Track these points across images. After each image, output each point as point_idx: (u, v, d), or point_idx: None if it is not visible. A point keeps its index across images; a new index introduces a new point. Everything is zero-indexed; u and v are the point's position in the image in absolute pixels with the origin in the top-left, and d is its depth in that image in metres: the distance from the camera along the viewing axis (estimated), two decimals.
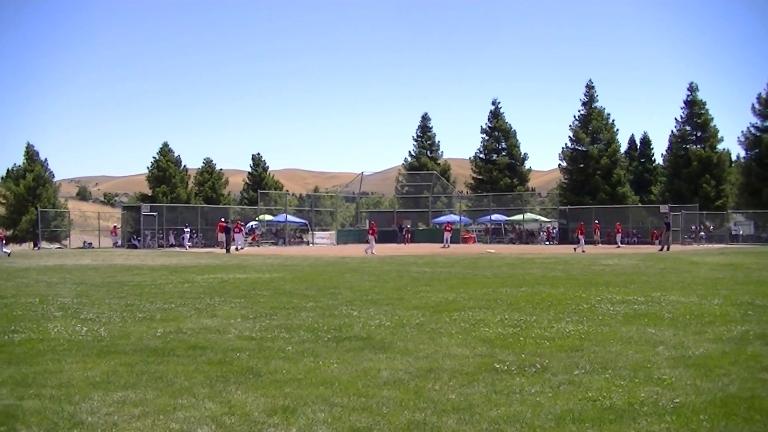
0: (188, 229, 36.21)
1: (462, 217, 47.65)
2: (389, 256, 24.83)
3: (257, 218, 43.25)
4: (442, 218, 47.45)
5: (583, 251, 28.05)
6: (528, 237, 43.85)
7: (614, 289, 11.07)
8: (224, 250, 29.85)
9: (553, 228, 43.92)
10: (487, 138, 58.32)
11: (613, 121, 51.84)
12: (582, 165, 51.10)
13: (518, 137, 58.23)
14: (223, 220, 32.09)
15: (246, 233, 38.87)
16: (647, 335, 6.57)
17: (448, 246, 36.36)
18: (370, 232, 29.04)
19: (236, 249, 33.23)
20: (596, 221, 36.93)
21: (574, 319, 7.66)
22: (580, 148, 51.73)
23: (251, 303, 9.38)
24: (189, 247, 34.74)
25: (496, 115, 57.96)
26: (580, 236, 30.59)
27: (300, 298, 9.94)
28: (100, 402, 4.32)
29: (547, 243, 41.22)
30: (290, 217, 45.53)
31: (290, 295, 10.38)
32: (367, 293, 10.63)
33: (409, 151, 63.75)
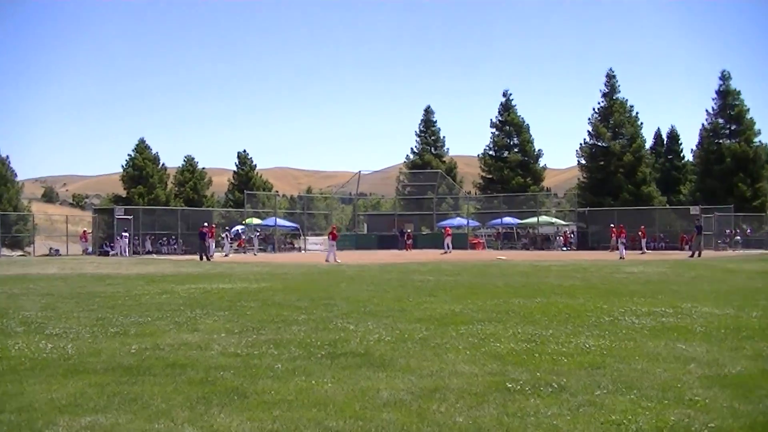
0: (126, 234, 35.98)
1: (470, 221, 47.73)
2: (390, 264, 24.80)
3: (244, 222, 43.25)
4: (448, 221, 47.50)
5: (622, 258, 28.10)
6: (543, 242, 43.89)
7: (639, 300, 11.05)
8: (205, 258, 29.93)
9: (571, 232, 43.96)
10: (497, 133, 58.44)
11: (637, 113, 52.02)
12: (602, 162, 51.19)
13: (532, 132, 58.47)
14: (206, 224, 32.13)
15: (231, 239, 38.91)
16: (677, 351, 6.54)
17: (449, 251, 36.51)
18: (331, 236, 29.25)
19: (224, 255, 33.57)
20: (613, 225, 36.88)
21: (594, 332, 7.64)
22: (600, 143, 51.86)
23: (237, 316, 9.35)
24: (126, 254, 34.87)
25: (507, 108, 58.11)
26: (618, 239, 30.73)
27: (291, 310, 9.91)
28: (66, 428, 4.29)
29: (564, 249, 41.26)
30: (280, 221, 45.52)
31: (280, 307, 10.36)
32: (365, 304, 10.61)
33: (411, 148, 63.98)
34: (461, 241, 43.16)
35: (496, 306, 10.31)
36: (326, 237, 30.67)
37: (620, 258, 28.18)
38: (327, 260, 27.58)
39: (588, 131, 52.49)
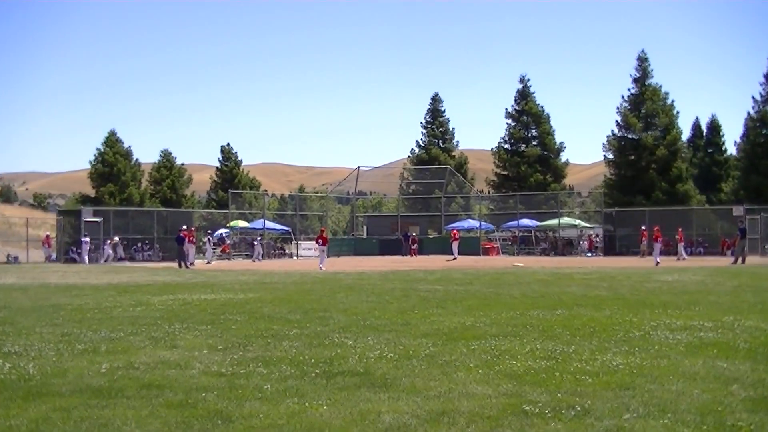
0: (87, 239, 36.30)
1: (482, 223, 47.75)
2: (392, 271, 24.79)
3: (228, 224, 43.34)
4: (458, 224, 47.53)
5: (658, 264, 28.06)
6: (565, 247, 43.89)
7: (674, 312, 11.05)
8: (184, 265, 30.02)
9: (597, 236, 43.94)
10: (513, 124, 58.56)
11: (673, 101, 51.98)
12: (633, 157, 51.22)
13: (552, 123, 58.66)
14: (184, 227, 32.21)
15: (214, 244, 39.01)
16: (717, 370, 6.54)
17: (456, 258, 36.60)
18: (321, 241, 29.32)
19: (206, 263, 33.76)
20: (644, 227, 36.74)
21: (623, 349, 7.64)
22: (630, 135, 51.87)
23: (220, 330, 9.38)
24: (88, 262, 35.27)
25: (524, 95, 58.23)
26: (655, 243, 30.37)
27: (281, 324, 9.95)
28: None
29: (589, 254, 41.26)
30: (269, 223, 45.60)
31: (269, 320, 10.40)
32: (365, 317, 10.65)
33: (417, 141, 64.18)
34: (473, 246, 43.18)
35: (511, 319, 10.33)
36: (317, 241, 30.77)
37: (655, 264, 28.14)
38: (321, 268, 27.82)
39: (616, 122, 52.52)
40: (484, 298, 13.97)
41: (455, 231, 40.45)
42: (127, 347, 8.11)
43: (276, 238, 47.02)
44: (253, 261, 37.57)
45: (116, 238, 37.45)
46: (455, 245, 38.10)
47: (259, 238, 40.81)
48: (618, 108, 52.63)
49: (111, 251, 36.86)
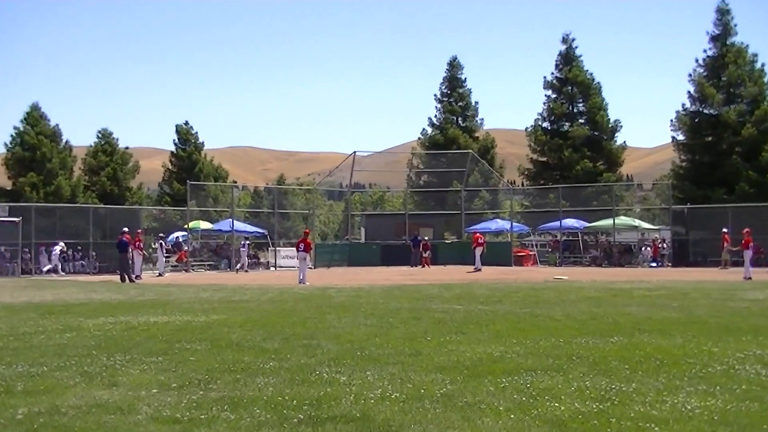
0: (60, 246, 36.74)
1: (515, 224, 47.72)
2: (399, 286, 24.76)
3: (186, 226, 43.29)
4: (482, 225, 47.48)
5: (749, 278, 27.83)
6: (622, 255, 43.89)
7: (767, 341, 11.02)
8: (128, 278, 30.07)
9: (663, 240, 43.87)
10: (554, 96, 58.51)
11: (763, 65, 51.66)
12: (710, 138, 51.12)
13: (604, 95, 58.40)
14: (126, 230, 32.17)
15: (167, 251, 39.01)
16: None
17: (479, 269, 36.56)
18: (304, 246, 29.33)
19: (158, 275, 33.80)
20: (725, 230, 36.51)
21: (700, 388, 7.60)
22: (706, 110, 51.78)
23: (175, 363, 9.36)
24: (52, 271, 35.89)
25: (568, 60, 58.19)
26: (744, 251, 29.75)
27: (254, 354, 9.94)
28: None
29: (654, 264, 41.25)
30: (240, 224, 45.56)
31: (239, 350, 10.40)
32: (363, 346, 10.64)
33: (429, 119, 64.09)
34: (502, 254, 43.14)
35: (553, 348, 10.31)
36: (297, 248, 30.68)
37: (744, 278, 27.98)
38: (302, 281, 27.95)
39: (689, 93, 52.42)
40: (516, 320, 13.95)
41: (479, 234, 40.41)
42: (52, 386, 8.06)
43: (249, 244, 46.98)
44: (237, 272, 38.01)
45: (61, 244, 37.59)
46: (479, 252, 38.07)
47: (245, 242, 40.97)
48: (691, 75, 52.50)
49: (57, 261, 37.35)
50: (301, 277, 28.27)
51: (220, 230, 45.85)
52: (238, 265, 39.48)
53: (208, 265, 42.06)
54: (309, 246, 30.36)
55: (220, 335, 12.10)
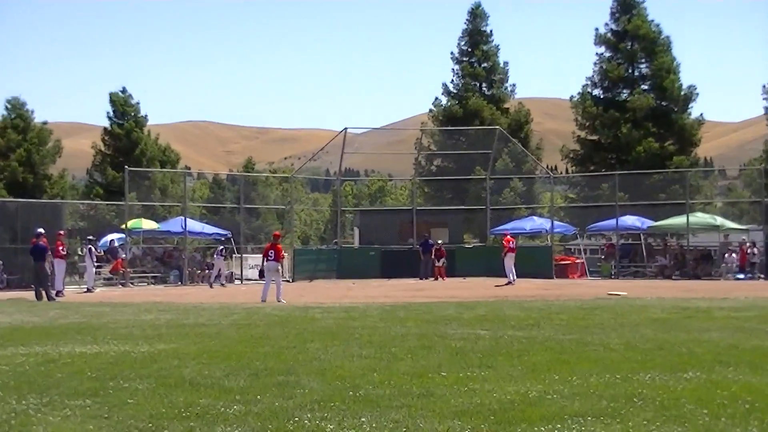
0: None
1: (556, 223, 47.68)
2: (403, 305, 24.77)
3: (124, 226, 43.31)
4: (513, 225, 47.42)
5: None
6: (698, 264, 43.78)
7: None
8: (46, 295, 30.00)
9: (753, 245, 43.77)
10: (608, 55, 58.47)
11: None
12: None
13: (675, 53, 58.25)
14: (42, 232, 32.05)
15: (97, 259, 38.93)
16: None
17: (513, 281, 36.53)
18: (274, 254, 29.37)
19: (86, 291, 33.80)
20: None
21: None
22: None
23: (109, 408, 9.33)
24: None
25: (627, 6, 58.06)
26: None
27: (214, 396, 9.95)
28: None
29: (741, 276, 41.15)
30: (195, 223, 45.50)
31: (193, 390, 10.40)
32: (357, 384, 10.64)
33: (444, 85, 64.16)
34: (541, 262, 43.07)
35: (607, 386, 10.29)
36: (266, 256, 30.66)
37: None
38: (264, 299, 28.18)
39: None
40: (559, 350, 13.94)
41: (509, 237, 40.23)
42: None
43: (206, 249, 47.01)
44: (212, 286, 38.53)
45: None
46: (510, 260, 37.90)
47: (221, 249, 41.11)
48: None
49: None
50: (264, 294, 28.41)
51: (168, 232, 45.79)
52: (212, 278, 39.72)
53: (153, 277, 41.98)
54: (281, 252, 30.32)
55: (168, 370, 12.05)
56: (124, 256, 41.81)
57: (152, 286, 40.21)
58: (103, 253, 41.59)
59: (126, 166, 45.10)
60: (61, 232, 35.92)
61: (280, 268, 29.67)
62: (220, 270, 40.11)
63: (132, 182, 45.03)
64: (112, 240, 43.52)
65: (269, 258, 29.60)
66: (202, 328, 18.48)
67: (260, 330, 17.98)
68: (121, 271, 40.90)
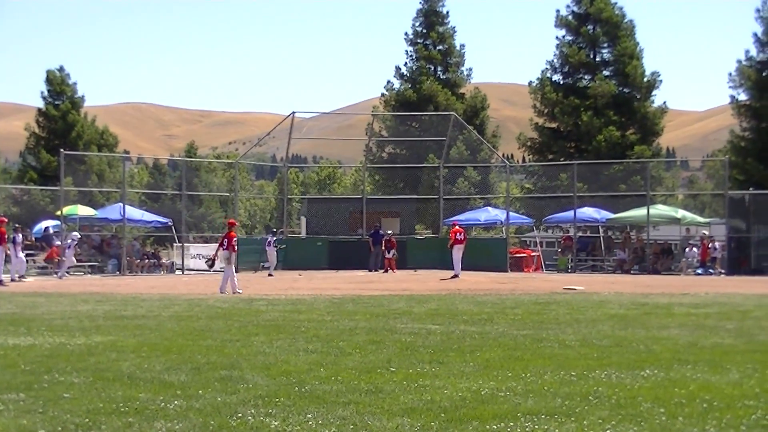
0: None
1: (512, 214, 47.79)
2: (352, 298, 24.80)
3: (59, 213, 42.98)
4: (467, 215, 47.42)
5: None
6: (659, 258, 44.06)
7: None
8: None
9: (714, 239, 44.09)
10: (569, 39, 58.53)
11: None
12: None
13: (638, 38, 58.44)
14: None
15: (21, 245, 38.47)
16: None
17: (458, 274, 36.54)
18: (227, 244, 29.36)
19: (17, 278, 33.44)
20: None
21: None
22: None
23: (43, 402, 9.31)
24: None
25: None
26: None
27: (153, 390, 9.95)
28: None
29: (701, 271, 41.46)
30: (133, 211, 45.10)
31: (131, 384, 10.40)
32: (303, 379, 10.70)
33: (397, 68, 64.03)
34: (496, 255, 43.13)
35: (562, 384, 10.41)
36: (221, 245, 30.58)
37: None
38: (222, 291, 28.01)
39: (754, 36, 52.81)
40: (513, 346, 14.05)
41: (458, 228, 39.89)
42: None
43: (146, 238, 46.71)
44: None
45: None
46: (458, 252, 37.67)
47: (272, 239, 41.37)
48: (759, 11, 52.74)
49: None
50: (231, 286, 28.34)
51: (106, 219, 45.36)
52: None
53: (90, 266, 41.61)
54: (231, 241, 30.13)
55: (105, 364, 12.04)
56: (59, 243, 41.46)
57: (89, 275, 39.85)
58: (40, 240, 41.23)
59: (61, 150, 44.65)
60: (4, 218, 35.52)
61: (231, 257, 29.46)
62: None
63: (68, 166, 44.68)
64: (47, 227, 43.18)
65: (224, 247, 29.47)
66: (141, 320, 18.40)
67: (202, 323, 17.95)
68: (56, 260, 40.54)
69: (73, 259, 38.59)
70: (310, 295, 26.32)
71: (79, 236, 38.40)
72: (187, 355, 12.90)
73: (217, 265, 33.30)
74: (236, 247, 29.91)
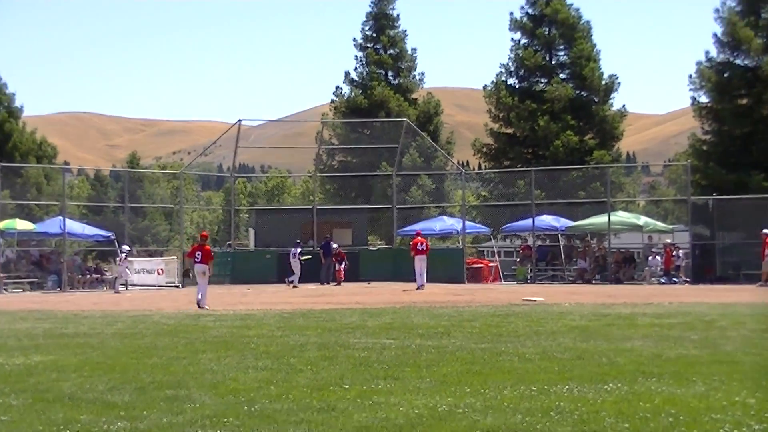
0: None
1: (468, 223, 47.92)
2: (303, 312, 24.80)
3: None
4: (423, 224, 47.51)
5: None
6: (621, 266, 44.34)
7: None
8: None
9: (677, 246, 44.40)
10: (524, 42, 58.83)
11: None
12: (745, 101, 51.70)
13: (595, 40, 58.87)
14: None
15: None
16: None
17: (422, 286, 36.58)
18: (201, 255, 29.29)
19: None
20: (767, 230, 37.18)
21: None
22: (740, 61, 52.48)
23: None
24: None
25: None
26: None
27: (96, 411, 9.91)
28: None
29: (665, 280, 41.76)
30: (74, 224, 44.78)
31: (73, 405, 10.34)
32: (252, 398, 10.68)
33: (347, 73, 64.09)
34: (452, 265, 43.31)
35: (522, 399, 10.43)
36: (193, 258, 30.35)
37: None
38: (202, 306, 27.97)
39: (715, 36, 53.11)
40: (471, 360, 14.08)
41: (419, 238, 40.13)
42: None
43: (87, 253, 46.40)
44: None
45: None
46: (420, 263, 37.80)
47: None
48: (719, 11, 53.12)
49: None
50: (199, 298, 28.20)
51: (45, 233, 45.09)
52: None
53: (29, 282, 41.35)
54: (209, 254, 29.88)
55: (45, 384, 11.97)
56: None
57: (28, 292, 39.60)
58: None
59: None
60: None
61: (207, 270, 29.31)
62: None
63: (5, 179, 44.29)
64: None
65: (196, 260, 29.27)
66: (83, 338, 18.30)
67: (147, 340, 17.87)
68: None
69: (128, 271, 40.80)
70: (260, 310, 26.38)
71: (129, 248, 40.13)
72: (131, 374, 12.83)
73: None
74: (211, 258, 29.99)
